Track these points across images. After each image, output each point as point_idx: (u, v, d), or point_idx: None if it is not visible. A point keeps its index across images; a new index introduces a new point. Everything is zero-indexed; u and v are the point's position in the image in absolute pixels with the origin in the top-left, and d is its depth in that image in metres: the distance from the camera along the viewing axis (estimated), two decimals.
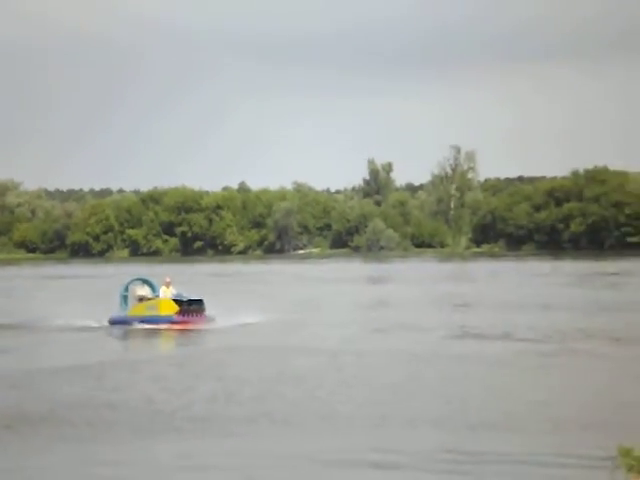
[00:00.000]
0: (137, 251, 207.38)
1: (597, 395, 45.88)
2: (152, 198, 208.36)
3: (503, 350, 62.40)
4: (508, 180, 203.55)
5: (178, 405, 46.40)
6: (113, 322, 64.94)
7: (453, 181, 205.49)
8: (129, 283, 69.27)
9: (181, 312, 64.49)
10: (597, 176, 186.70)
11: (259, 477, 31.33)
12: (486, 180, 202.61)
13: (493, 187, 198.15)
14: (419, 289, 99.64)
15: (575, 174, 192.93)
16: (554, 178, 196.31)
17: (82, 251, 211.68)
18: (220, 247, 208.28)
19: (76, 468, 35.34)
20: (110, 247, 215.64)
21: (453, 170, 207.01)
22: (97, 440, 40.42)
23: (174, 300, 65.13)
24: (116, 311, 67.97)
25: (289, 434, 38.47)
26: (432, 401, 43.39)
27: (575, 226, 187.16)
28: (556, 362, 57.24)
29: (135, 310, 66.39)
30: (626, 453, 23.21)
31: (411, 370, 54.05)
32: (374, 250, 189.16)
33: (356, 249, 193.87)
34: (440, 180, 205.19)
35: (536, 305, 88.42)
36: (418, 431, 38.10)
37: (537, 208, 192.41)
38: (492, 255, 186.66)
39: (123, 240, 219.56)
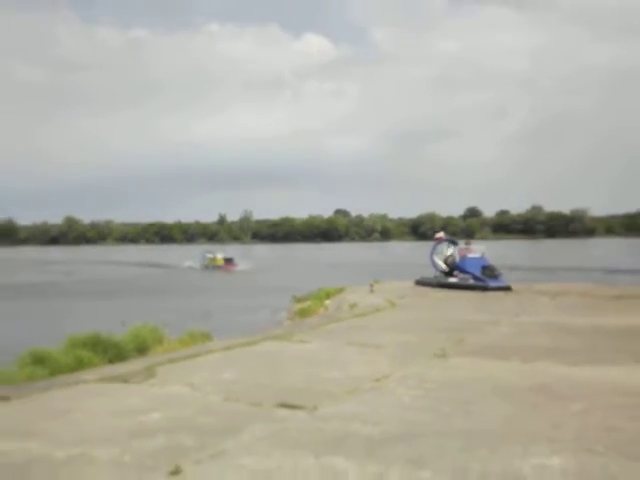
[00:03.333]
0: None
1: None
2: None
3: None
4: (262, 220, 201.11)
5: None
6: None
7: (245, 219, 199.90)
8: (203, 252, 72.15)
9: (225, 263, 66.78)
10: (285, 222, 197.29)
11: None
12: (257, 220, 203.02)
13: (259, 222, 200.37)
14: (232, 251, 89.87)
15: (284, 218, 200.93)
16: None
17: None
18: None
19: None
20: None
21: (245, 216, 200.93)
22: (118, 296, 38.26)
23: (223, 258, 67.91)
24: (198, 262, 69.24)
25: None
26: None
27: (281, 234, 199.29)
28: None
29: (207, 262, 67.97)
30: (295, 297, 26.50)
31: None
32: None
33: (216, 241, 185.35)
34: (242, 219, 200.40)
35: (267, 257, 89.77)
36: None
37: (271, 226, 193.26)
38: (257, 242, 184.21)
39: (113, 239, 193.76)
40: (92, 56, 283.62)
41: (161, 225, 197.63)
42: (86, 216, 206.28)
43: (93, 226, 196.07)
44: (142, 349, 13.35)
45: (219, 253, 70.80)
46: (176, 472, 5.04)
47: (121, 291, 40.77)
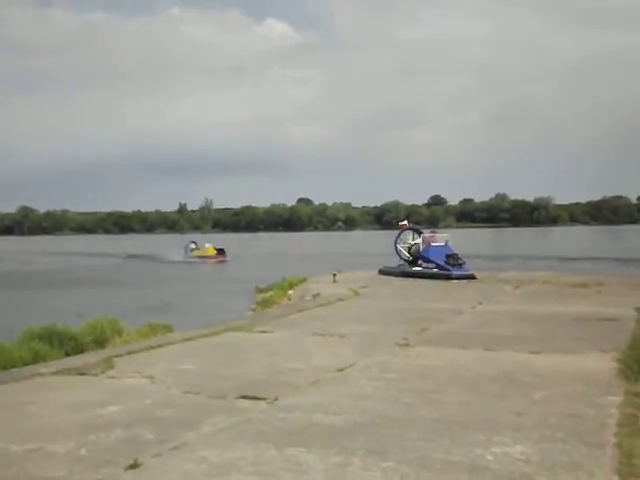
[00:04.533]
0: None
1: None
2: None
3: None
4: (223, 209, 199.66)
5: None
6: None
7: (205, 208, 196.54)
8: (187, 244, 66.05)
9: (217, 253, 62.61)
10: (247, 211, 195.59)
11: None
12: (218, 208, 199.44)
13: (220, 211, 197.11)
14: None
15: (246, 207, 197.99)
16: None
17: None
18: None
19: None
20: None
21: (206, 205, 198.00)
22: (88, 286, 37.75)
23: (214, 248, 63.36)
24: (183, 255, 63.41)
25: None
26: None
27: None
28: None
29: (194, 253, 63.71)
30: (257, 288, 26.43)
31: None
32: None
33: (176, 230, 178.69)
34: (203, 208, 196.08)
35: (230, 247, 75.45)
36: None
37: (232, 215, 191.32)
38: (218, 232, 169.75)
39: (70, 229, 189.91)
40: (47, 40, 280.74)
41: (120, 214, 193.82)
42: (42, 206, 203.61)
43: (48, 215, 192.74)
44: (100, 341, 13.24)
45: (207, 243, 66.07)
46: (135, 466, 4.97)
47: (88, 283, 39.33)
